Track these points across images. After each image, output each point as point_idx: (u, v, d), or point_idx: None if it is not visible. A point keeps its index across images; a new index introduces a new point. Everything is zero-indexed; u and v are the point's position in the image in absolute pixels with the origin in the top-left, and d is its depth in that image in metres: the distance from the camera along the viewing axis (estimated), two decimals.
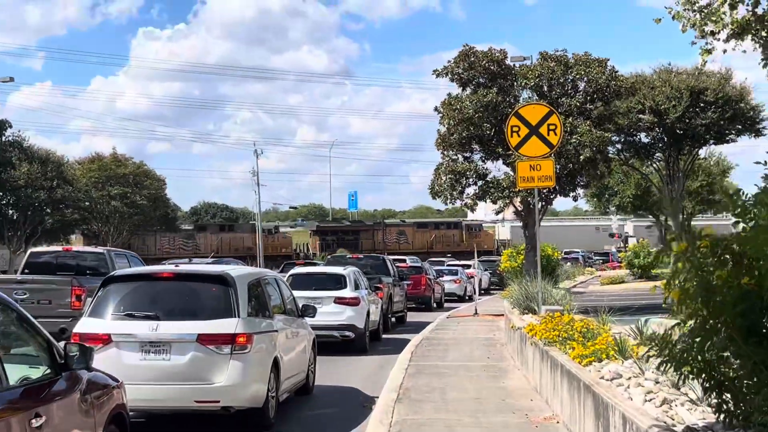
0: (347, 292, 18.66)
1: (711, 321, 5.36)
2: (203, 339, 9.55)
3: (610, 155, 25.90)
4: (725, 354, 5.75)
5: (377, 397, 12.18)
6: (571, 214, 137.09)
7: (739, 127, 36.92)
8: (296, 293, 18.41)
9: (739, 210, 5.47)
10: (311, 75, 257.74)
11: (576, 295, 25.70)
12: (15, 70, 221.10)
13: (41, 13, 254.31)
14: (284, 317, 11.82)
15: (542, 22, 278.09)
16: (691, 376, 5.99)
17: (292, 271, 20.08)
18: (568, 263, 54.53)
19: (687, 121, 35.54)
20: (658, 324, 16.04)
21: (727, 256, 5.43)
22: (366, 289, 20.49)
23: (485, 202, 24.12)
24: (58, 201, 59.14)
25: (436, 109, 23.71)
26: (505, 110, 22.68)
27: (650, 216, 73.24)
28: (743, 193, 5.52)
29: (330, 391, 13.70)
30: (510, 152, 22.47)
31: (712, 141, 38.19)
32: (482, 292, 42.82)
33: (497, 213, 31.50)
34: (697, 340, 5.47)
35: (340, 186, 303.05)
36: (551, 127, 15.82)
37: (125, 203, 66.01)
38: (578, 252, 79.13)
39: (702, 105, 35.62)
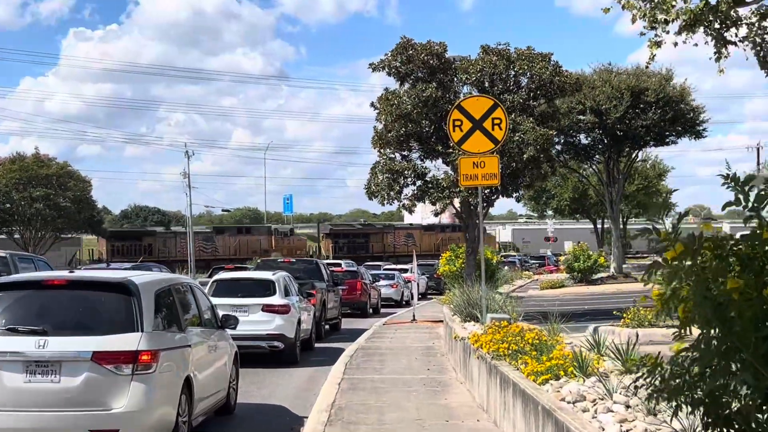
0: (276, 299, 17.34)
1: (725, 344, 4.20)
2: (99, 357, 8.18)
3: (552, 155, 25.08)
4: (732, 383, 4.60)
5: (306, 418, 10.95)
6: (506, 217, 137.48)
7: (679, 128, 36.55)
8: (220, 301, 17.09)
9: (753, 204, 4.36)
10: (246, 77, 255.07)
11: (516, 300, 24.79)
12: None
13: None
14: (200, 330, 10.49)
15: (478, 28, 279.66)
16: (688, 408, 4.80)
17: (215, 277, 18.68)
18: (506, 267, 53.92)
19: (627, 122, 35.01)
20: (610, 332, 15.04)
21: (735, 262, 4.31)
22: (297, 295, 19.20)
23: (424, 202, 22.99)
24: None
25: (372, 104, 22.55)
26: (445, 106, 21.60)
27: (588, 219, 73.41)
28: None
29: (254, 410, 12.39)
30: (450, 150, 21.42)
31: (651, 143, 37.76)
32: (420, 297, 41.84)
33: (436, 215, 30.57)
34: (706, 369, 4.32)
35: (275, 189, 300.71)
36: (496, 122, 14.76)
37: (48, 205, 63.46)
38: (515, 255, 78.84)
39: (642, 105, 35.13)
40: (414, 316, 27.19)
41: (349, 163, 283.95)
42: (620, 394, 7.13)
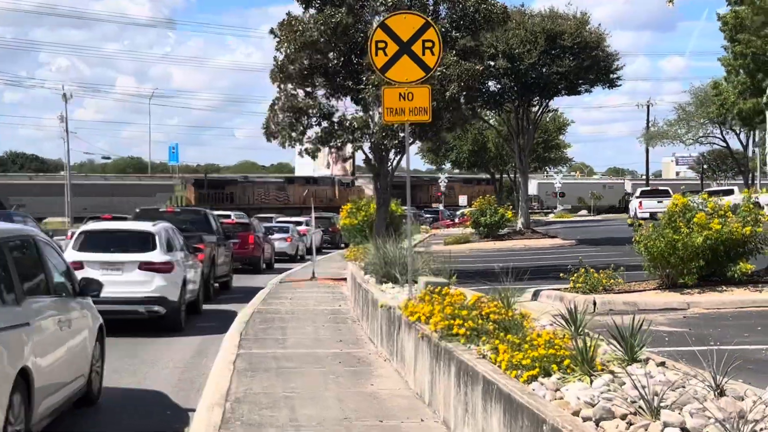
0: (156, 255, 14.57)
1: None
2: None
3: (475, 95, 22.79)
4: None
5: (194, 411, 8.43)
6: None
7: (592, 77, 34.87)
8: (88, 257, 14.25)
9: None
10: (133, 22, 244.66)
11: (423, 255, 22.60)
12: None
13: None
14: (49, 300, 7.78)
15: None
16: None
17: (81, 228, 15.66)
18: (403, 221, 51.85)
19: (540, 68, 33.07)
20: (556, 297, 12.88)
21: None
22: (182, 250, 16.47)
23: (329, 147, 20.39)
24: None
25: (272, 31, 19.70)
26: (356, 35, 19.03)
27: (486, 173, 72.14)
28: None
29: (124, 398, 9.77)
30: (363, 86, 18.88)
31: (564, 92, 36.01)
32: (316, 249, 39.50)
33: (327, 166, 28.03)
34: None
35: (161, 139, 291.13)
36: (427, 45, 12.27)
37: None
38: (413, 209, 77.06)
39: (557, 51, 33.25)
40: (314, 273, 24.74)
41: (237, 113, 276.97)
42: (673, 409, 4.84)
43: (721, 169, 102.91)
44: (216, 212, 31.66)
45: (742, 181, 78.64)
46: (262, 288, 22.15)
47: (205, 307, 18.63)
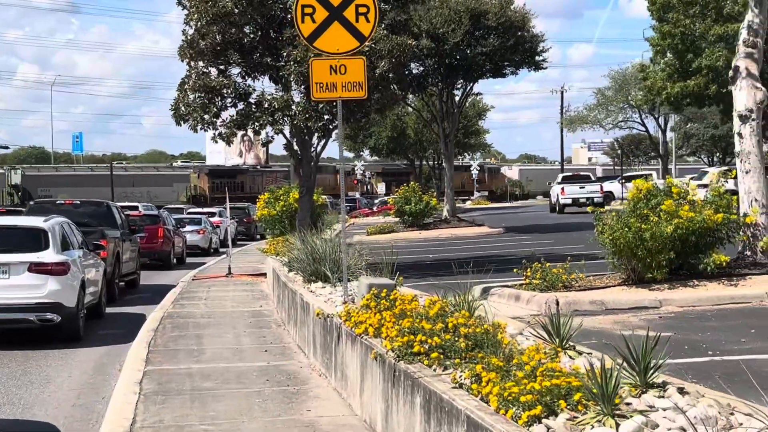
0: (49, 255, 12.75)
1: None
2: None
3: (405, 74, 21.43)
4: None
5: None
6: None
7: (517, 59, 33.84)
8: None
9: None
10: (33, 8, 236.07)
11: (353, 249, 21.17)
12: None
13: None
14: None
15: None
16: None
17: None
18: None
19: (465, 49, 31.88)
20: (511, 297, 11.57)
21: None
22: (81, 248, 14.67)
23: (246, 131, 18.70)
24: None
25: (179, 2, 17.91)
26: (275, 5, 17.38)
27: (405, 160, 70.96)
28: None
29: None
30: (283, 63, 17.27)
31: (489, 74, 34.90)
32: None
33: (264, 145, 26.22)
34: None
35: (64, 128, 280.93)
36: (361, 10, 10.81)
37: None
38: (328, 198, 75.52)
39: (482, 31, 32.11)
40: (230, 268, 23.05)
41: (145, 101, 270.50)
42: None
43: (635, 154, 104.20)
44: (122, 204, 29.70)
45: (658, 166, 79.59)
46: (173, 286, 20.44)
47: (109, 309, 16.84)
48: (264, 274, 22.52)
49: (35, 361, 11.61)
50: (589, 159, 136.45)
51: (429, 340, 6.24)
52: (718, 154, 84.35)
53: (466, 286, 13.44)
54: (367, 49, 16.21)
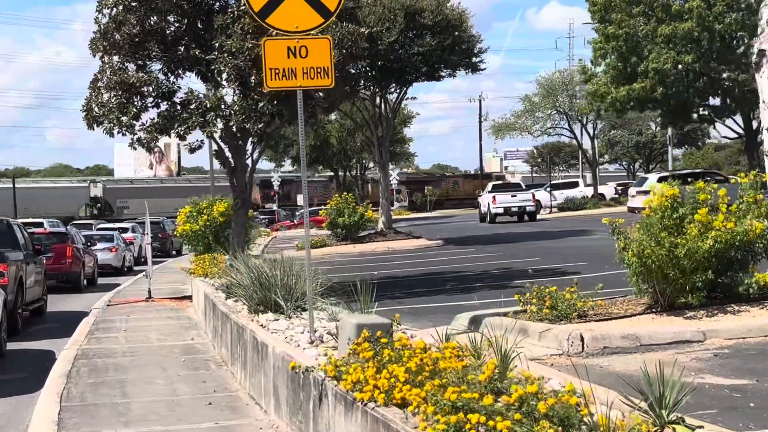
0: None
1: None
2: None
3: (352, 69, 19.39)
4: None
5: None
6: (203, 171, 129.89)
7: (454, 60, 32.19)
8: None
9: None
10: None
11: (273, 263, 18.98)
12: None
13: None
14: None
15: None
16: None
17: None
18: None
19: (399, 49, 30.09)
20: (516, 329, 9.66)
21: None
22: None
23: (169, 135, 16.42)
24: None
25: None
26: None
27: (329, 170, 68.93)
28: None
29: None
30: (214, 56, 15.09)
31: (424, 77, 33.14)
32: (142, 260, 35.15)
33: (150, 166, 23.65)
34: None
35: None
36: None
37: None
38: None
39: (417, 30, 30.39)
40: (150, 292, 20.66)
41: (48, 114, 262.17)
42: None
43: (554, 162, 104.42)
44: (24, 220, 27.01)
45: (578, 174, 79.36)
46: (86, 314, 18.01)
47: (11, 345, 14.39)
48: (189, 297, 20.25)
49: None
50: (505, 168, 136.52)
51: (491, 422, 4.27)
52: (640, 161, 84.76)
53: (439, 312, 11.31)
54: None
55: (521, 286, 16.57)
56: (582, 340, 8.07)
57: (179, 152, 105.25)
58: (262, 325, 9.93)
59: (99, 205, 74.65)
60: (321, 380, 6.47)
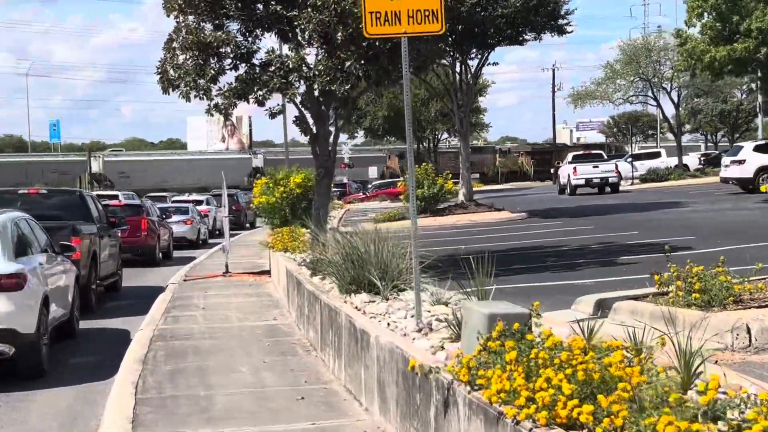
0: None
1: None
2: None
3: None
4: None
5: None
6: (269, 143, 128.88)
7: (541, 20, 30.53)
8: None
9: None
10: (9, 2, 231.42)
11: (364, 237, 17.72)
12: None
13: None
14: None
15: None
16: None
17: None
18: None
19: (482, 11, 28.58)
20: (658, 316, 8.30)
21: None
22: (44, 251, 11.39)
23: (247, 101, 15.32)
24: None
25: None
26: None
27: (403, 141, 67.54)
28: None
29: None
30: (295, 12, 13.94)
31: (507, 41, 31.58)
32: (218, 232, 34.53)
33: (222, 139, 22.56)
34: None
35: (41, 118, 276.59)
36: None
37: None
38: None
39: None
40: (227, 266, 19.81)
41: (123, 90, 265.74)
42: None
43: (632, 132, 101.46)
44: (99, 193, 26.47)
45: (655, 144, 76.56)
46: (162, 289, 17.25)
47: (85, 324, 13.61)
48: (267, 272, 19.35)
49: None
50: (578, 139, 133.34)
51: None
52: (724, 130, 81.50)
53: (550, 292, 10.06)
54: None
55: (632, 262, 15.36)
56: (749, 331, 6.76)
57: (251, 125, 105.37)
58: (357, 308, 8.84)
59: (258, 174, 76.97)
60: (447, 384, 5.29)
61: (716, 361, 6.38)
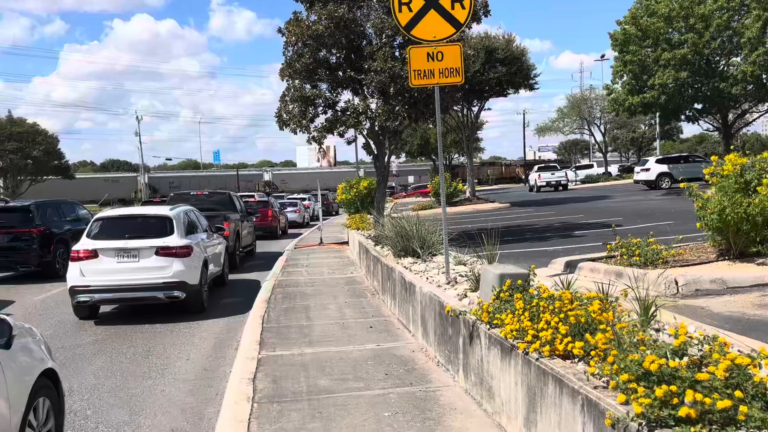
0: (174, 240, 9.08)
1: None
2: None
3: None
4: None
5: None
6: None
7: (518, 81, 29.46)
8: (102, 244, 8.55)
9: None
10: (188, 77, 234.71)
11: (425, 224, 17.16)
12: None
13: None
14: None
15: None
16: None
17: (97, 216, 9.89)
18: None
19: (481, 75, 27.62)
20: (609, 272, 7.56)
21: None
22: (205, 231, 10.96)
23: (333, 134, 14.85)
24: None
25: (280, 30, 14.12)
26: (357, 29, 13.56)
27: (429, 159, 66.54)
28: None
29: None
30: (362, 76, 13.34)
31: (495, 95, 30.56)
32: (315, 218, 34.05)
33: (326, 153, 22.31)
34: None
35: (207, 148, 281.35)
36: None
37: (19, 156, 51.03)
38: None
39: (492, 61, 27.82)
40: (321, 239, 19.29)
41: (257, 131, 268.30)
42: None
43: (574, 152, 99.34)
44: (241, 193, 26.14)
45: (589, 161, 74.52)
46: (281, 254, 16.77)
47: (232, 276, 13.21)
48: (346, 243, 18.79)
49: (161, 337, 7.96)
50: (539, 157, 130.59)
51: (708, 400, 2.39)
52: (632, 150, 79.13)
53: (532, 256, 9.11)
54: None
55: (583, 235, 14.56)
56: (676, 283, 6.05)
57: (335, 151, 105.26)
58: (405, 267, 8.24)
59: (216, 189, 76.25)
60: (472, 323, 4.69)
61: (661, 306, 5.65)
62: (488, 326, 4.36)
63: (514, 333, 3.90)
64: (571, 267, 7.83)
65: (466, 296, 5.86)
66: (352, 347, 6.45)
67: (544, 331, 3.71)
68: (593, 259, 7.77)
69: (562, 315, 3.84)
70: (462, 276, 7.10)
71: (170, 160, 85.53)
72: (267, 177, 74.20)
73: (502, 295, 4.68)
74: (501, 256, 7.82)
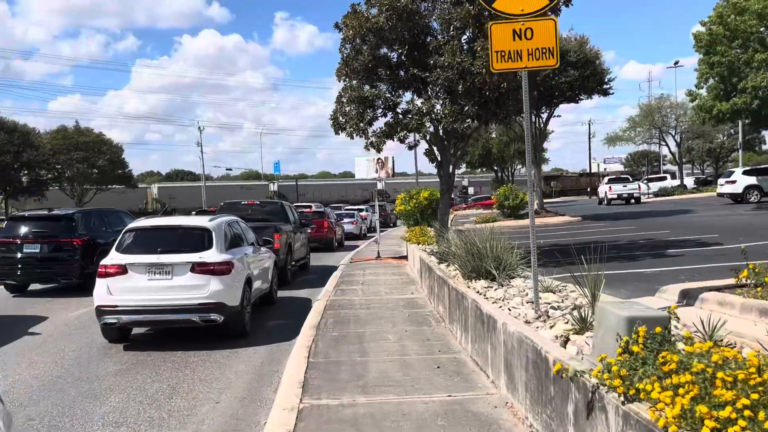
0: (212, 255, 8.01)
1: None
2: None
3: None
4: None
5: None
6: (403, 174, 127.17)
7: (591, 87, 27.59)
8: (132, 259, 7.51)
9: None
10: (251, 89, 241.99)
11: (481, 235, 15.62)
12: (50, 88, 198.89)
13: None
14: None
15: None
16: None
17: (130, 226, 8.98)
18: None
19: (551, 80, 25.95)
20: (755, 309, 5.99)
21: None
22: (251, 245, 9.90)
23: (393, 139, 13.65)
24: (25, 163, 46.27)
25: (336, 25, 13.05)
26: (421, 21, 12.37)
27: (491, 170, 64.70)
28: None
29: None
30: (427, 75, 12.09)
31: (566, 100, 28.76)
32: (373, 230, 32.99)
33: (376, 171, 21.56)
34: None
35: (269, 159, 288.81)
36: None
37: (86, 165, 52.57)
38: None
39: (564, 65, 26.10)
40: (378, 253, 18.11)
41: (318, 142, 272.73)
42: None
43: (642, 164, 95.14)
44: (297, 203, 25.34)
45: (661, 173, 70.83)
46: (335, 268, 15.68)
47: (282, 293, 12.16)
48: (404, 257, 17.52)
49: (192, 369, 6.87)
50: (604, 169, 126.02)
51: None
52: (708, 162, 74.65)
53: (627, 280, 7.37)
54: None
55: (678, 255, 12.77)
56: None
57: (393, 162, 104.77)
58: (478, 292, 6.88)
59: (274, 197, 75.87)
60: (592, 387, 3.30)
61: None
62: (622, 398, 2.97)
63: (681, 424, 2.51)
64: (689, 297, 6.27)
65: (568, 340, 4.47)
66: (416, 397, 5.14)
67: (732, 424, 2.32)
68: (719, 288, 6.19)
69: (754, 395, 2.44)
70: (554, 308, 5.71)
71: (230, 170, 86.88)
72: (273, 188, 74.03)
73: (634, 348, 3.28)
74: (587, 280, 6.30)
